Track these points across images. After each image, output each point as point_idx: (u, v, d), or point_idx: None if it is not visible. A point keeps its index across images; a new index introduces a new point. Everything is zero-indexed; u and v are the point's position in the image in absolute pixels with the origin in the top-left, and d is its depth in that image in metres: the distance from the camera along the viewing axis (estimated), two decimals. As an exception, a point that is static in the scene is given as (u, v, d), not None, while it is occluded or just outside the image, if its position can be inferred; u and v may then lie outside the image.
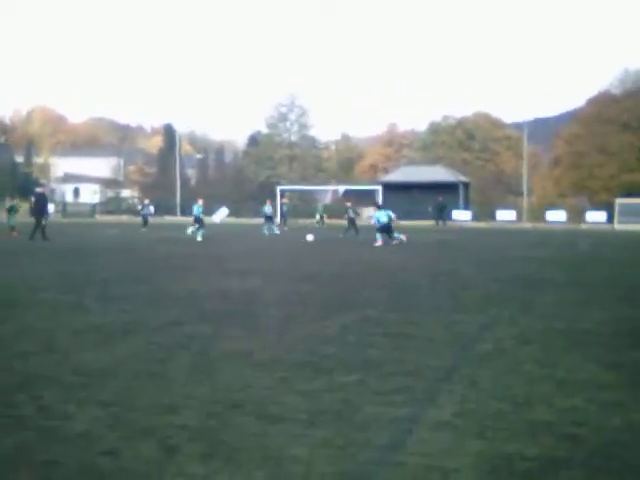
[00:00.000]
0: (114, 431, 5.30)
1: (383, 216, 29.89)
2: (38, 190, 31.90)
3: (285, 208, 49.85)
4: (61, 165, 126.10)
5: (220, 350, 8.18)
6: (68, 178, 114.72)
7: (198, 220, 32.80)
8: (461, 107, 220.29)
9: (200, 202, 33.92)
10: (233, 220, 56.53)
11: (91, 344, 8.50)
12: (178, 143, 78.70)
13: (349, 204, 41.13)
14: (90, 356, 7.82)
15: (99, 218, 60.76)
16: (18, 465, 4.60)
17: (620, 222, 59.53)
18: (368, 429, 5.47)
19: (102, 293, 13.18)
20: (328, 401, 6.19)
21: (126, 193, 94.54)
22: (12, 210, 37.33)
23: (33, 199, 31.40)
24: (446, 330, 9.78)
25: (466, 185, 75.00)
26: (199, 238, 31.52)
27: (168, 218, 61.56)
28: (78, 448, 4.93)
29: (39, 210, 29.84)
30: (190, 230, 34.41)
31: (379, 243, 29.02)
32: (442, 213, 60.41)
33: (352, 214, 39.83)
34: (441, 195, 61.25)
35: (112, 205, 76.92)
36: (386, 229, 29.74)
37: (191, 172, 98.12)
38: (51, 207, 70.76)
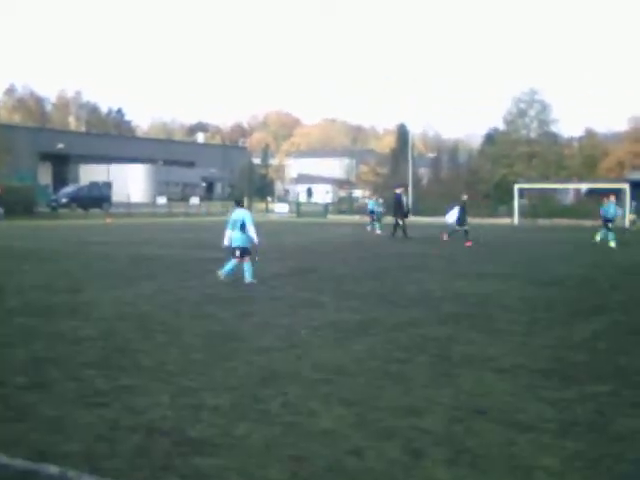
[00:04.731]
0: (358, 431, 5.29)
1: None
2: (397, 191, 33.38)
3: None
4: (295, 166, 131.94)
5: (459, 353, 7.98)
6: (301, 179, 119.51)
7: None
8: None
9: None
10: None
11: (329, 341, 8.63)
12: (411, 143, 78.95)
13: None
14: (328, 353, 7.94)
15: (331, 217, 62.15)
16: (268, 459, 4.71)
17: None
18: (623, 442, 5.08)
19: (337, 290, 13.43)
20: (579, 411, 5.81)
21: (358, 193, 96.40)
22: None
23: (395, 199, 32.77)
24: None
25: None
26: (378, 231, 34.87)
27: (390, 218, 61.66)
28: (324, 445, 4.97)
29: (398, 209, 31.54)
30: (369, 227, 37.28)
31: None
32: None
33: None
34: None
35: (344, 205, 78.62)
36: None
37: (423, 172, 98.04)
38: (285, 207, 73.91)
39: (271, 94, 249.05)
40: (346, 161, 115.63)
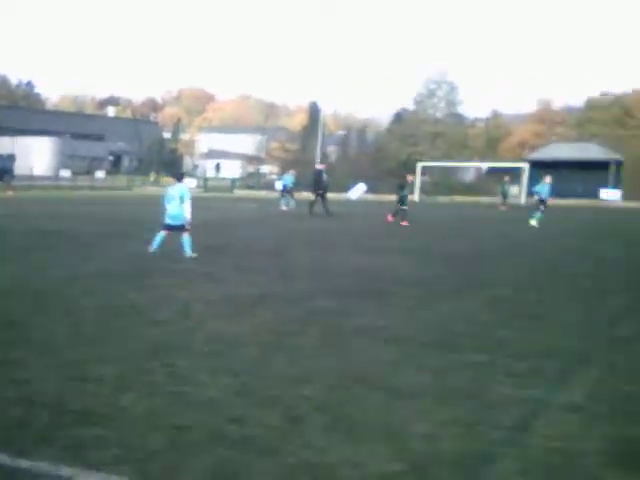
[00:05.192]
0: (242, 399, 5.41)
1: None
2: (318, 167, 33.02)
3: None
4: (206, 141, 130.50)
5: (350, 325, 8.18)
6: (212, 154, 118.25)
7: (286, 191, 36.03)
8: (621, 84, 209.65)
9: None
10: (371, 197, 56.51)
11: (224, 314, 8.71)
12: (322, 120, 79.22)
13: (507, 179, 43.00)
14: (223, 326, 8.01)
15: (238, 193, 61.88)
16: (149, 429, 4.77)
17: None
18: (497, 409, 5.34)
19: (238, 265, 13.47)
20: (457, 379, 6.08)
21: (266, 169, 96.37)
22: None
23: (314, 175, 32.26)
24: (582, 312, 9.40)
25: (619, 164, 71.13)
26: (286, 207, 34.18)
27: (305, 194, 62.01)
28: (207, 414, 5.06)
29: (319, 185, 31.23)
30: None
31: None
32: None
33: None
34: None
35: (251, 180, 78.34)
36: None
37: (332, 149, 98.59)
38: (193, 182, 73.07)
39: (187, 70, 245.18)
40: (257, 137, 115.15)
